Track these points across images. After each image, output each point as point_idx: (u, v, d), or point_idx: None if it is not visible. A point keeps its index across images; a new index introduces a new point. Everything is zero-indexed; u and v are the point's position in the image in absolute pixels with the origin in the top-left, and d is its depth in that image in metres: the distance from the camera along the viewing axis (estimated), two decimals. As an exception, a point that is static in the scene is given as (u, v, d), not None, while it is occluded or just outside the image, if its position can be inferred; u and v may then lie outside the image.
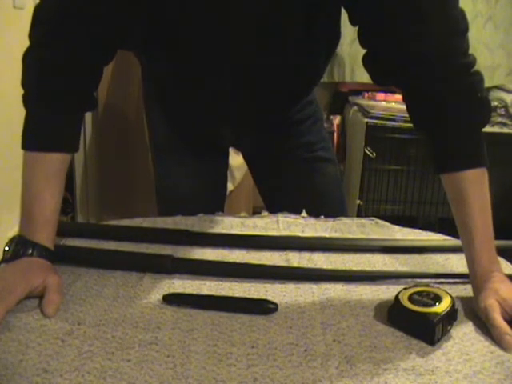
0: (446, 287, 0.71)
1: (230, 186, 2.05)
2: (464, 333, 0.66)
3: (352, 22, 0.82)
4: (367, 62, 0.82)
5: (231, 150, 1.23)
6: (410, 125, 0.82)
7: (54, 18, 0.77)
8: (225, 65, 0.90)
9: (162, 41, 0.89)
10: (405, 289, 0.69)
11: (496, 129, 2.52)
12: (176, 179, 1.15)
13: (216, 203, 1.18)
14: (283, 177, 1.14)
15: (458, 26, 0.75)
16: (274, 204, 1.15)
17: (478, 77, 0.76)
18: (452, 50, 0.75)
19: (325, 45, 0.96)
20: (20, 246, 0.73)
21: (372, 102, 2.64)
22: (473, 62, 0.76)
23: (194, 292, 0.74)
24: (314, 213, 1.03)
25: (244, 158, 1.22)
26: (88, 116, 2.42)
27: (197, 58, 0.89)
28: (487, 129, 0.77)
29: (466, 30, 0.76)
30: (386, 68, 0.80)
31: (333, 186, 1.15)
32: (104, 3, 0.77)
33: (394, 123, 2.48)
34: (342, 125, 2.88)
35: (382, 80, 0.83)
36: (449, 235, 0.96)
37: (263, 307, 0.70)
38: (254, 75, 0.92)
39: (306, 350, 0.61)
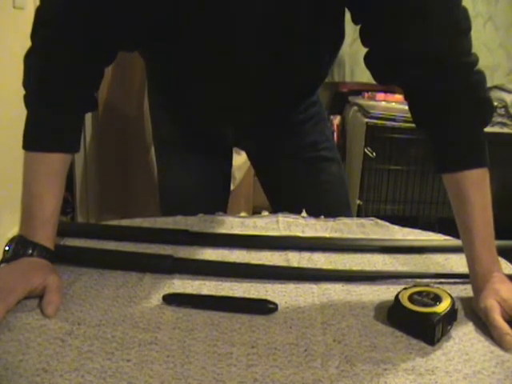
0: (446, 287, 0.71)
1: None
2: (464, 333, 0.66)
3: (354, 20, 0.82)
4: (369, 60, 0.82)
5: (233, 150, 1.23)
6: (410, 125, 0.82)
7: (56, 19, 0.78)
8: (227, 65, 0.89)
9: (164, 41, 0.89)
10: (405, 289, 0.69)
11: (496, 129, 2.52)
12: (179, 178, 1.15)
13: (218, 203, 1.18)
14: (287, 177, 1.15)
15: (460, 25, 0.75)
16: (279, 203, 1.15)
17: (481, 76, 0.76)
18: (454, 49, 0.75)
19: (329, 45, 0.96)
20: (20, 246, 0.73)
21: (372, 102, 2.64)
22: (475, 62, 0.76)
23: (194, 292, 0.74)
24: (319, 212, 1.03)
25: (248, 157, 1.22)
26: (88, 116, 2.42)
27: (198, 58, 0.89)
28: (487, 129, 0.77)
29: (468, 29, 0.76)
30: (388, 67, 0.80)
31: (337, 186, 1.15)
32: (105, 5, 0.77)
33: (394, 123, 2.48)
34: (342, 125, 2.88)
35: (384, 79, 0.83)
36: (449, 235, 0.96)
37: (263, 307, 0.70)
38: (257, 75, 0.92)
39: (306, 350, 0.61)
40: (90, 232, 0.93)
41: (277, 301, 0.70)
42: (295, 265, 0.84)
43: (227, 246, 0.88)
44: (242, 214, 1.03)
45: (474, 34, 0.75)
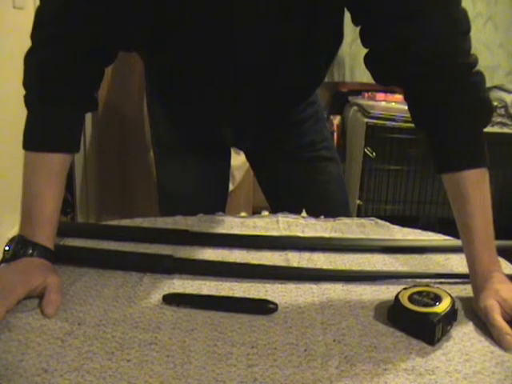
0: (446, 287, 0.71)
1: (229, 186, 2.05)
2: (464, 333, 0.66)
3: (354, 21, 0.82)
4: (368, 61, 0.83)
5: (232, 150, 1.23)
6: (410, 125, 0.82)
7: (56, 19, 0.78)
8: (226, 65, 0.90)
9: (163, 41, 0.89)
10: (405, 289, 0.69)
11: (496, 129, 2.51)
12: (178, 179, 1.15)
13: (217, 203, 1.18)
14: (286, 177, 1.15)
15: (459, 25, 0.75)
16: (278, 204, 1.15)
17: (480, 77, 0.77)
18: (453, 49, 0.75)
19: (327, 46, 0.96)
20: (20, 246, 0.73)
21: (372, 102, 2.64)
22: (474, 62, 0.76)
23: (194, 292, 0.74)
24: (317, 212, 1.03)
25: (246, 158, 1.22)
26: (88, 116, 2.42)
27: (198, 59, 0.89)
28: (487, 129, 0.78)
29: (467, 29, 0.76)
30: (388, 67, 0.80)
31: (335, 185, 1.15)
32: (105, 4, 0.77)
33: (393, 123, 2.48)
34: (342, 125, 2.88)
35: (384, 79, 0.83)
36: (449, 235, 0.96)
37: (263, 307, 0.70)
38: (256, 76, 0.92)
39: (305, 350, 0.61)
40: (90, 232, 0.93)
41: (277, 301, 0.70)
42: (295, 265, 0.84)
43: (227, 246, 0.88)
44: (242, 214, 1.03)
45: (473, 34, 0.75)
